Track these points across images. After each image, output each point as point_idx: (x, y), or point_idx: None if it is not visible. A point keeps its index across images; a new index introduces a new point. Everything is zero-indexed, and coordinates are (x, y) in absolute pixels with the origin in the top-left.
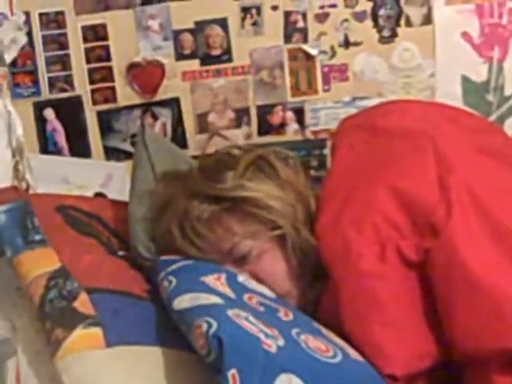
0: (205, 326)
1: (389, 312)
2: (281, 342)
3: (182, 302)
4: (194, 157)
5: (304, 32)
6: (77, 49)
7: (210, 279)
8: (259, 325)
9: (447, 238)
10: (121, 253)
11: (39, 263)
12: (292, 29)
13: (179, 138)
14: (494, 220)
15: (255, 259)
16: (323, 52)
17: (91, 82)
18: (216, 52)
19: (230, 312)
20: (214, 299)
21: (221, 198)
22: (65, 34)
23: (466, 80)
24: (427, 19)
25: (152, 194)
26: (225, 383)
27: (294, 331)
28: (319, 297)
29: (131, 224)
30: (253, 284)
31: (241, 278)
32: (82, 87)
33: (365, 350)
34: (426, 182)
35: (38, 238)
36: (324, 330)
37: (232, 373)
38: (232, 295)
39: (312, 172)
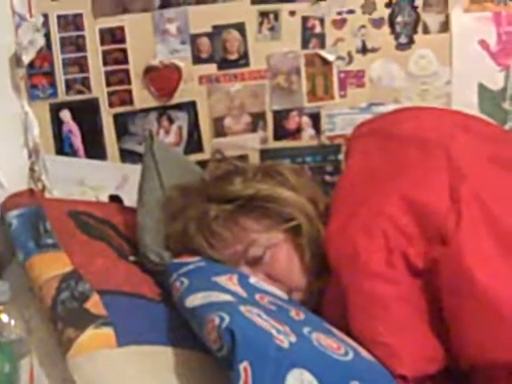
0: (217, 320)
1: (396, 315)
2: (293, 339)
3: (195, 300)
4: (207, 161)
5: (321, 38)
6: (94, 51)
7: (221, 279)
8: (271, 321)
9: (455, 247)
10: (132, 258)
11: (51, 266)
12: (309, 34)
13: (195, 142)
14: (505, 232)
15: (270, 259)
16: (340, 58)
17: (108, 85)
18: (233, 56)
19: (242, 308)
20: (226, 297)
21: (234, 198)
22: (82, 37)
23: (482, 88)
24: (444, 26)
25: (166, 201)
26: (237, 376)
27: (306, 329)
28: (322, 291)
29: (140, 234)
30: (264, 285)
31: (252, 280)
32: (99, 89)
33: (375, 350)
34: (437, 192)
35: (50, 241)
36: (335, 330)
37: (244, 366)
38: (244, 294)
39: (327, 177)
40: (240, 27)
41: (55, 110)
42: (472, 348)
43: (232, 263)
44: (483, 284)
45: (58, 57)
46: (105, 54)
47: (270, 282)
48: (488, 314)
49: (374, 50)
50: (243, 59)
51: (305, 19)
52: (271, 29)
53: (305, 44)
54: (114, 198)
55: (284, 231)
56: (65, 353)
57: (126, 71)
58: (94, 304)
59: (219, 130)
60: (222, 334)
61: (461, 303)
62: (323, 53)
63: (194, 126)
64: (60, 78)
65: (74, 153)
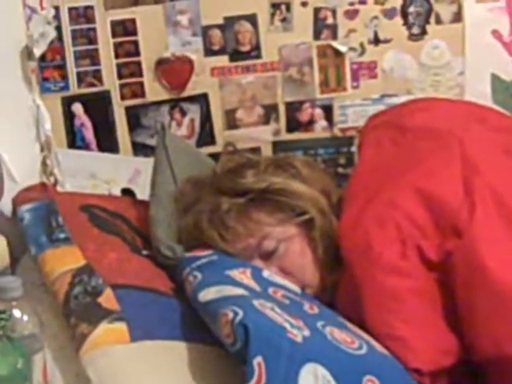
0: (231, 315)
1: (410, 308)
2: (306, 333)
3: (208, 295)
4: (219, 154)
5: (333, 29)
6: (106, 43)
7: (235, 273)
8: (284, 315)
9: (469, 240)
10: (145, 252)
11: (64, 260)
12: (321, 25)
13: (207, 134)
14: None
15: (283, 252)
16: (352, 49)
17: (120, 77)
18: (245, 48)
19: (255, 302)
20: (240, 291)
21: (246, 191)
22: (94, 29)
23: (495, 78)
24: (457, 17)
25: (178, 194)
26: (250, 371)
27: (320, 323)
28: (336, 285)
29: (152, 227)
30: (277, 279)
31: (266, 273)
32: (111, 82)
33: (389, 344)
34: (450, 184)
35: (62, 236)
36: (349, 324)
37: (258, 360)
38: (257, 288)
39: (340, 169)
40: (252, 19)
41: (67, 103)
42: (486, 342)
43: (245, 256)
44: (497, 277)
45: (69, 49)
46: (116, 46)
47: (284, 275)
48: (502, 307)
49: (386, 41)
50: (255, 51)
51: (317, 10)
52: (283, 20)
53: (317, 35)
54: (127, 192)
55: (297, 225)
56: (78, 348)
57: (138, 63)
58: (107, 299)
59: (231, 123)
60: (236, 328)
61: (475, 296)
62: (335, 44)
63: (206, 118)
64: (72, 71)
65: (86, 146)
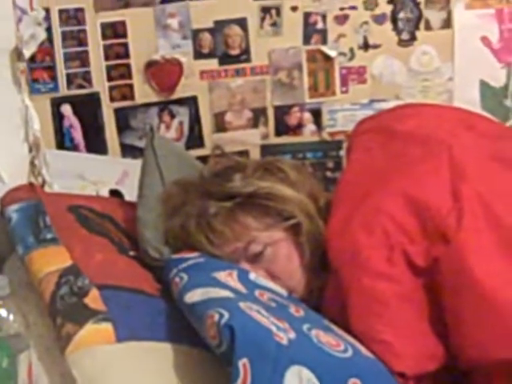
0: (216, 316)
1: (396, 312)
2: (292, 335)
3: (194, 296)
4: (208, 156)
5: (323, 33)
6: (95, 45)
7: (221, 275)
8: (270, 318)
9: (457, 247)
10: (132, 253)
11: (50, 261)
12: (311, 30)
13: (196, 137)
14: (506, 232)
15: (270, 255)
16: (342, 54)
17: (109, 79)
18: (235, 52)
19: (241, 304)
20: (226, 293)
21: (233, 195)
22: (84, 31)
23: (484, 85)
24: (447, 23)
25: (165, 196)
26: (236, 372)
27: (305, 326)
28: (322, 288)
29: (140, 229)
30: (264, 282)
31: (252, 276)
32: (100, 84)
33: (374, 348)
34: (438, 190)
35: (49, 236)
36: (335, 327)
37: (243, 362)
38: (243, 290)
39: (328, 174)
40: (242, 22)
41: (56, 104)
42: (472, 348)
43: (232, 260)
44: (484, 284)
45: (59, 51)
46: (106, 48)
47: (271, 279)
48: (488, 314)
49: (375, 46)
50: (245, 54)
51: (307, 15)
52: (273, 24)
53: (307, 40)
54: (115, 193)
55: (284, 229)
56: (64, 348)
57: (128, 66)
58: (93, 299)
59: (220, 126)
60: (221, 330)
61: (461, 303)
62: (325, 49)
63: (195, 121)
64: (61, 72)
65: (74, 147)
